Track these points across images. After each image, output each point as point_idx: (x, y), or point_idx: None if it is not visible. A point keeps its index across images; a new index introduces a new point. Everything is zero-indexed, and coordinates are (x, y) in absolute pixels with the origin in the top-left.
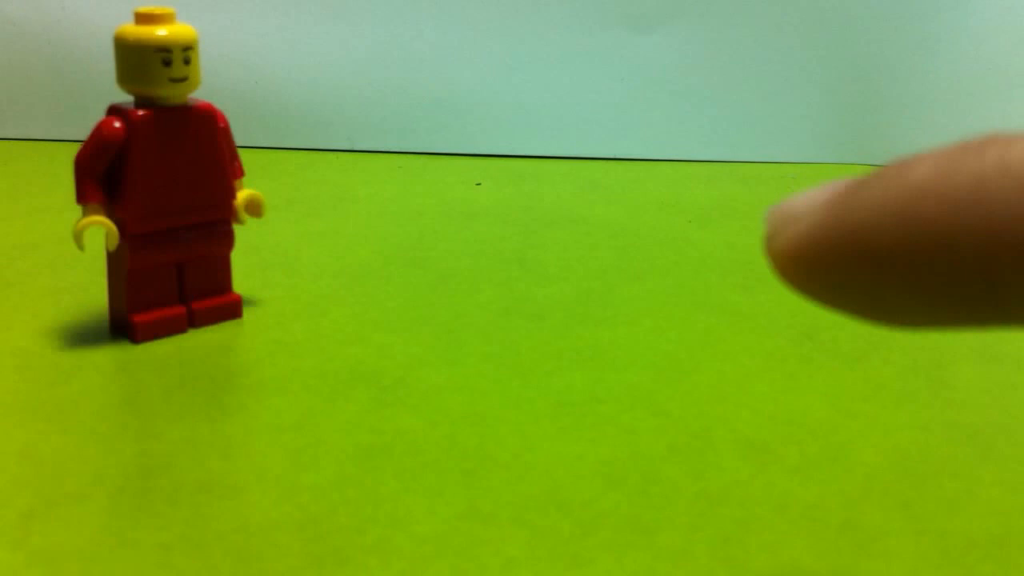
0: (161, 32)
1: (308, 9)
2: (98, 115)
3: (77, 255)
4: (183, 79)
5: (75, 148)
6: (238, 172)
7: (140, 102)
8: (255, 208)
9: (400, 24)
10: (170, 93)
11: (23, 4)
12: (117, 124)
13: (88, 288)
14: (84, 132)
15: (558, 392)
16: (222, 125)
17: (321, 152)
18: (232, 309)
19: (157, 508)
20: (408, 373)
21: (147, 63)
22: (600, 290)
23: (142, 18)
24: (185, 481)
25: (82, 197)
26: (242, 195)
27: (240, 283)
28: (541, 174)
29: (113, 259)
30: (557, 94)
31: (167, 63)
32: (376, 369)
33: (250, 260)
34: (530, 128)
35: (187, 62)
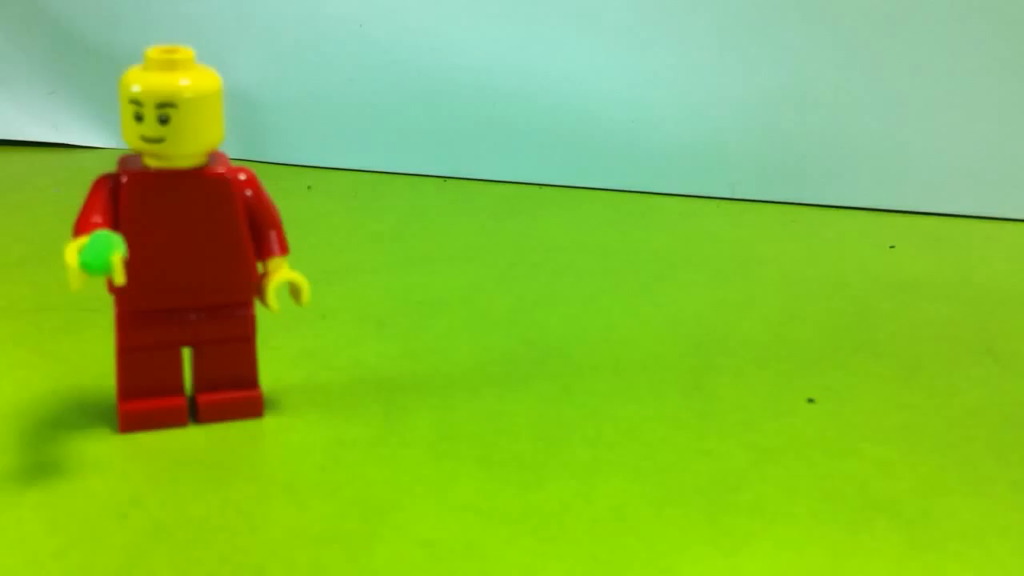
0: (142, 81)
1: (696, 45)
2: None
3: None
4: (156, 140)
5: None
6: (275, 248)
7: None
8: (296, 294)
9: (797, 64)
10: (146, 152)
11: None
12: (109, 183)
13: None
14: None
15: None
16: (245, 193)
17: (699, 199)
18: (249, 406)
19: None
20: (930, 504)
21: (125, 115)
22: None
23: (149, 63)
24: None
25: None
26: (277, 277)
27: (675, 352)
28: (962, 237)
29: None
30: (975, 144)
31: (138, 118)
32: (887, 495)
33: (675, 332)
34: (945, 183)
35: (163, 121)
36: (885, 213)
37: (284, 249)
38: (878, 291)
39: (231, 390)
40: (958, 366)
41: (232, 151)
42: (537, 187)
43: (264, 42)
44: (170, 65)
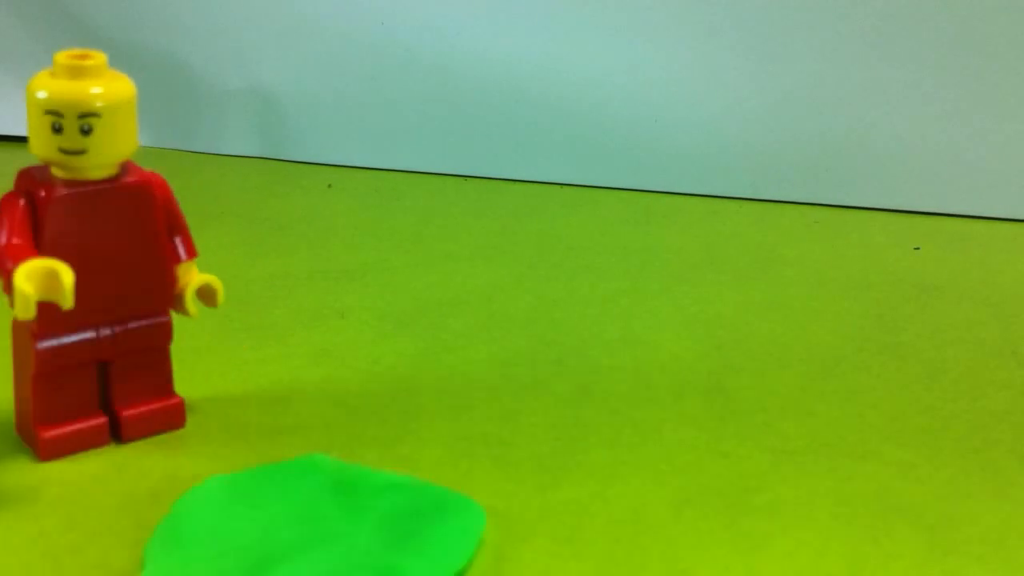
0: (57, 89)
1: (719, 43)
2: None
3: None
4: (78, 151)
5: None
6: (183, 254)
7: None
8: (210, 297)
9: (820, 63)
10: (66, 165)
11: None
12: (21, 202)
13: None
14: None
15: None
16: (160, 199)
17: (721, 199)
18: (171, 416)
19: None
20: (952, 508)
21: (39, 126)
22: None
23: (59, 69)
24: None
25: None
26: (193, 282)
27: (695, 354)
28: (987, 239)
29: (19, 353)
30: (1000, 145)
31: (57, 129)
32: (909, 498)
33: (696, 333)
34: (970, 184)
35: (86, 131)
36: (909, 214)
37: (192, 253)
38: (902, 293)
39: (151, 401)
40: (982, 369)
41: (253, 149)
42: (558, 186)
43: (285, 40)
44: (84, 72)
